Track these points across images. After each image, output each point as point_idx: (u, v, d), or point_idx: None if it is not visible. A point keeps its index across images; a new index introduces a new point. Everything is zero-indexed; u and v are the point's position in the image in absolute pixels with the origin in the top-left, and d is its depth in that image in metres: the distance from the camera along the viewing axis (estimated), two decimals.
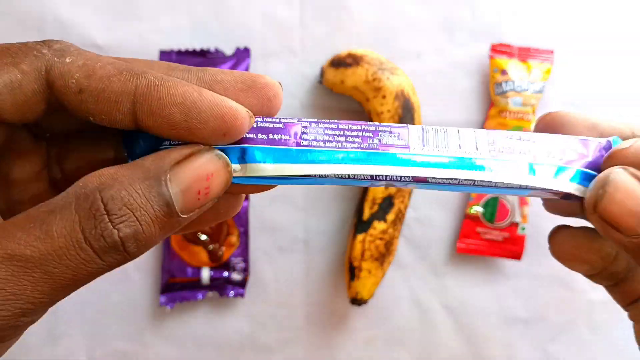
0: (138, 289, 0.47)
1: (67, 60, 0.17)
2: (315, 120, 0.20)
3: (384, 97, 0.43)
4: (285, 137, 0.19)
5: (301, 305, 0.48)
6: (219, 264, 0.46)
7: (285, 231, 0.47)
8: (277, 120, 0.19)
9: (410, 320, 0.48)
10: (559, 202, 0.23)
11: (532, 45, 0.47)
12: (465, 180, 0.19)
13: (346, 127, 0.20)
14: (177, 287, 0.46)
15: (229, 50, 0.46)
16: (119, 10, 0.45)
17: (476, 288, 0.48)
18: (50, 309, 0.47)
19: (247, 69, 0.45)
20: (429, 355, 0.49)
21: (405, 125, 0.20)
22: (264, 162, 0.19)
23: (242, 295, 0.46)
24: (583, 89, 0.48)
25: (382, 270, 0.45)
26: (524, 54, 0.47)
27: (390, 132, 0.20)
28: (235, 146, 0.18)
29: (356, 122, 0.20)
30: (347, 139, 0.19)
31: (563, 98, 0.48)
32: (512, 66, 0.46)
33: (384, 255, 0.45)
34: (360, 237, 0.44)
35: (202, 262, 0.45)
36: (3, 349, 0.17)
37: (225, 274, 0.46)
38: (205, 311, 0.47)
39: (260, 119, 0.19)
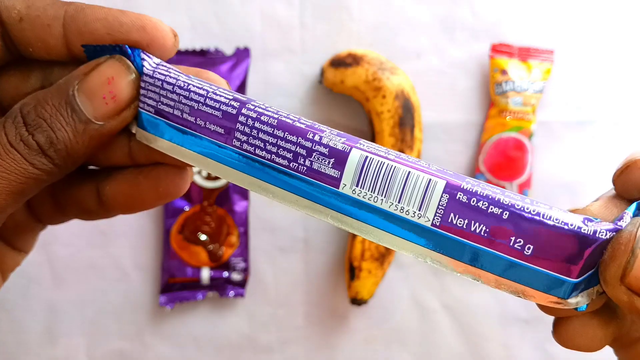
0: (138, 289, 0.47)
1: None
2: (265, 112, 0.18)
3: (384, 97, 0.43)
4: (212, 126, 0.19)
5: (301, 305, 0.48)
6: (219, 264, 0.46)
7: (285, 231, 0.47)
8: (229, 100, 0.19)
9: (410, 320, 0.48)
10: (579, 332, 0.18)
11: (532, 45, 0.47)
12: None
13: (282, 134, 0.18)
14: (177, 287, 0.46)
15: (229, 50, 0.46)
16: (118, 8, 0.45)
17: (476, 288, 0.48)
18: (50, 309, 0.47)
19: (247, 69, 0.45)
20: (429, 355, 0.48)
21: (350, 144, 0.17)
22: (156, 135, 0.19)
23: (242, 295, 0.46)
24: (583, 89, 0.48)
25: (382, 270, 0.45)
26: (524, 54, 0.47)
27: (325, 156, 0.17)
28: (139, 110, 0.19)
29: (298, 127, 0.18)
30: (277, 149, 0.18)
31: (563, 98, 0.48)
32: (512, 66, 0.46)
33: (384, 255, 0.45)
34: (360, 237, 0.44)
35: (202, 262, 0.45)
36: None
37: (225, 274, 0.46)
38: (205, 311, 0.47)
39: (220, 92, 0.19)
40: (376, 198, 0.16)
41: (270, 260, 0.47)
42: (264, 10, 0.46)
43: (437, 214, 0.16)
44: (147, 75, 0.19)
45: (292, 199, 0.18)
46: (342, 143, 0.17)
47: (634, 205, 0.16)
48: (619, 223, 0.15)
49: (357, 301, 0.45)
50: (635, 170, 0.17)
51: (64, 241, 0.45)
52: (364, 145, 0.17)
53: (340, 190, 0.17)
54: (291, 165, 0.18)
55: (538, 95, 0.46)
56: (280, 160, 0.18)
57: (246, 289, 0.47)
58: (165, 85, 0.19)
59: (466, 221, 0.16)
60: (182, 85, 0.19)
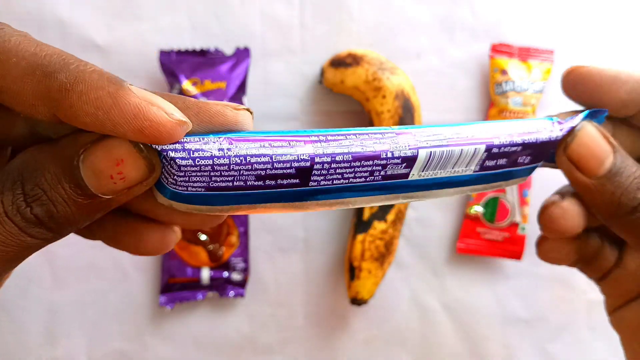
0: (138, 289, 0.47)
1: None
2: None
3: (384, 97, 0.43)
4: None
5: (301, 305, 0.48)
6: (219, 264, 0.46)
7: (285, 231, 0.47)
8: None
9: (410, 320, 0.48)
10: (552, 248, 0.26)
11: (532, 45, 0.47)
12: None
13: (358, 163, 0.19)
14: (177, 287, 0.46)
15: (229, 50, 0.46)
16: (119, 10, 0.45)
17: (476, 288, 0.48)
18: (51, 310, 0.47)
19: (247, 69, 0.45)
20: (429, 355, 0.49)
21: (416, 147, 0.20)
22: (204, 205, 0.18)
23: (242, 295, 0.46)
24: None
25: (382, 270, 0.45)
26: (524, 54, 0.47)
27: (398, 164, 0.20)
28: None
29: (364, 153, 0.19)
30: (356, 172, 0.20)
31: (563, 98, 0.48)
32: (512, 66, 0.46)
33: (384, 255, 0.45)
34: (360, 237, 0.44)
35: (202, 262, 0.45)
36: None
37: (225, 274, 0.46)
38: (205, 311, 0.47)
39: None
40: (437, 173, 0.21)
41: (270, 260, 0.47)
42: (264, 11, 0.46)
43: (478, 165, 0.21)
44: (184, 166, 0.17)
45: (367, 201, 0.21)
46: (410, 149, 0.20)
47: (585, 113, 0.23)
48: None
49: (357, 301, 0.45)
50: (573, 76, 0.24)
51: (64, 241, 0.45)
52: (427, 143, 0.20)
53: (409, 179, 0.20)
54: (367, 179, 0.20)
55: (538, 95, 0.46)
56: (358, 180, 0.20)
57: (246, 289, 0.47)
58: (217, 167, 0.17)
59: (495, 162, 0.22)
60: (239, 161, 0.17)
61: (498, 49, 0.46)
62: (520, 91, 0.46)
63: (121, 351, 0.47)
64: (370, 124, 0.45)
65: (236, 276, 0.46)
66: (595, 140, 0.21)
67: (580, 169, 0.21)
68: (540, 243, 0.26)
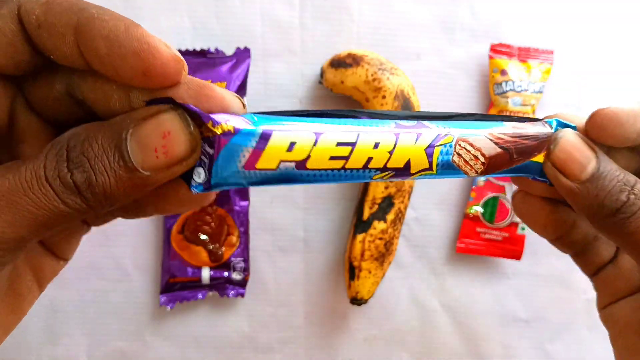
0: (138, 289, 0.47)
1: None
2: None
3: (384, 97, 0.43)
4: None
5: (301, 305, 0.48)
6: (219, 264, 0.46)
7: (285, 231, 0.47)
8: None
9: (410, 320, 0.48)
10: (525, 200, 0.26)
11: (532, 45, 0.47)
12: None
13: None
14: (177, 287, 0.46)
15: (229, 50, 0.46)
16: (119, 10, 0.45)
17: (476, 288, 0.48)
18: (51, 309, 0.47)
19: (247, 69, 0.45)
20: (429, 355, 0.49)
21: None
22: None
23: (242, 295, 0.46)
24: (583, 89, 0.48)
25: (382, 270, 0.45)
26: (524, 54, 0.47)
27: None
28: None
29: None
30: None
31: (563, 98, 0.48)
32: (512, 66, 0.46)
33: (384, 255, 0.45)
34: (360, 237, 0.44)
35: (202, 262, 0.46)
36: None
37: (225, 274, 0.46)
38: (205, 311, 0.47)
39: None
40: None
41: (270, 260, 0.47)
42: (265, 11, 0.46)
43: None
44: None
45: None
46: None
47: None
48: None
49: (357, 301, 0.45)
50: (600, 118, 0.24)
51: None
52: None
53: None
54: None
55: (538, 95, 0.46)
56: None
57: (246, 289, 0.47)
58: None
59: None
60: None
61: (498, 49, 0.46)
62: (519, 91, 0.46)
63: (121, 351, 0.47)
64: None
65: (236, 276, 0.46)
66: (577, 146, 0.22)
67: (565, 173, 0.22)
68: (514, 197, 0.27)
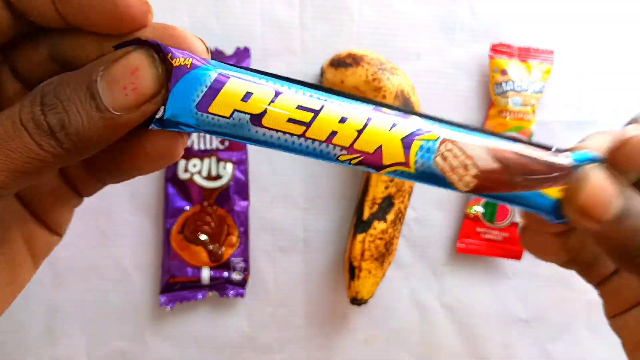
0: (138, 289, 0.47)
1: None
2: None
3: (384, 97, 0.43)
4: None
5: (301, 305, 0.48)
6: (219, 264, 0.46)
7: (285, 231, 0.47)
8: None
9: (410, 320, 0.48)
10: (534, 238, 0.24)
11: (532, 45, 0.47)
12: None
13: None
14: (177, 287, 0.46)
15: (229, 50, 0.46)
16: None
17: (476, 288, 0.48)
18: (51, 309, 0.47)
19: None
20: (429, 355, 0.49)
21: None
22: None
23: (242, 295, 0.46)
24: (583, 89, 0.48)
25: (382, 270, 0.45)
26: (524, 54, 0.47)
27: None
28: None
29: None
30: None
31: (563, 98, 0.48)
32: (512, 66, 0.46)
33: (384, 255, 0.45)
34: (360, 237, 0.44)
35: (202, 262, 0.46)
36: None
37: (225, 274, 0.46)
38: (205, 311, 0.47)
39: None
40: None
41: (270, 260, 0.47)
42: (265, 11, 0.46)
43: None
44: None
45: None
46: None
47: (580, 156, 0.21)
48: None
49: (357, 301, 0.45)
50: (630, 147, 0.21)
51: (64, 241, 0.45)
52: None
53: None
54: None
55: (538, 95, 0.46)
56: None
57: (246, 289, 0.47)
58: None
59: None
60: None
61: (498, 49, 0.46)
62: (520, 91, 0.46)
63: (121, 351, 0.47)
64: None
65: (236, 276, 0.46)
66: (602, 187, 0.20)
67: (588, 217, 0.20)
68: (523, 232, 0.25)
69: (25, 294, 0.45)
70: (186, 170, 0.45)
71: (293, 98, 0.18)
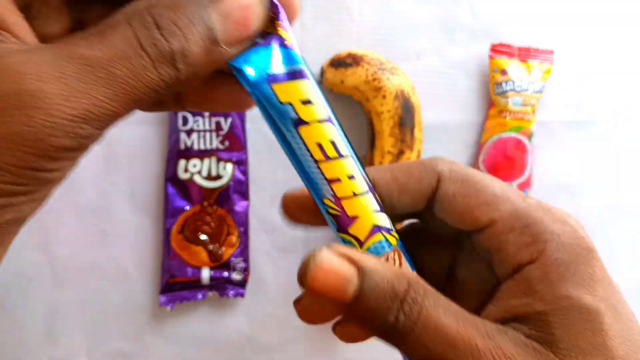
0: (138, 289, 0.47)
1: None
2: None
3: (384, 97, 0.43)
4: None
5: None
6: (219, 264, 0.46)
7: (285, 231, 0.47)
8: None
9: None
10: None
11: (532, 45, 0.47)
12: None
13: None
14: (177, 287, 0.46)
15: None
16: None
17: None
18: (51, 309, 0.47)
19: None
20: None
21: None
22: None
23: (242, 295, 0.46)
24: (583, 89, 0.48)
25: None
26: (524, 54, 0.47)
27: None
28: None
29: None
30: None
31: (563, 98, 0.48)
32: (512, 66, 0.46)
33: None
34: None
35: (202, 262, 0.45)
36: (56, 178, 0.16)
37: (225, 274, 0.46)
38: (205, 311, 0.47)
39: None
40: None
41: (270, 260, 0.47)
42: None
43: None
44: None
45: None
46: None
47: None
48: None
49: None
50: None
51: (64, 241, 0.46)
52: None
53: None
54: None
55: (538, 95, 0.46)
56: None
57: (246, 289, 0.47)
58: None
59: None
60: None
61: (498, 49, 0.46)
62: (520, 91, 0.46)
63: (121, 351, 0.47)
64: (370, 124, 0.45)
65: (236, 276, 0.46)
66: (331, 269, 0.18)
67: (326, 298, 0.18)
68: (299, 302, 0.22)
69: (25, 294, 0.46)
70: (186, 170, 0.45)
71: (334, 133, 0.20)
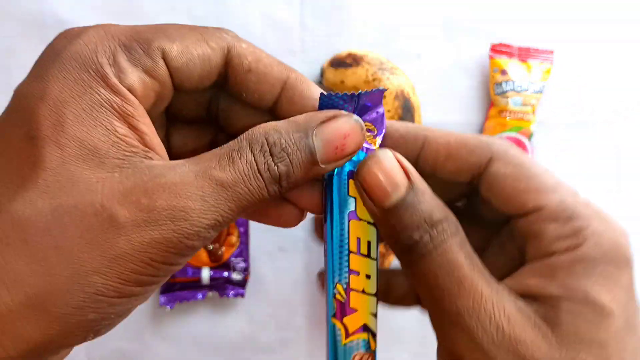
0: None
1: (243, 45, 0.22)
2: None
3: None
4: None
5: (301, 305, 0.48)
6: (219, 264, 0.46)
7: (285, 231, 0.47)
8: None
9: (410, 320, 0.48)
10: None
11: (532, 45, 0.47)
12: None
13: None
14: (177, 287, 0.46)
15: None
16: (119, 10, 0.45)
17: None
18: None
19: None
20: (429, 354, 0.48)
21: None
22: None
23: (242, 295, 0.46)
24: (583, 89, 0.48)
25: None
26: (524, 54, 0.47)
27: None
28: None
29: None
30: None
31: (563, 98, 0.48)
32: (512, 66, 0.46)
33: (383, 255, 0.45)
34: None
35: (202, 262, 0.45)
36: (182, 259, 0.20)
37: (225, 274, 0.46)
38: (205, 311, 0.47)
39: None
40: None
41: (270, 260, 0.47)
42: (264, 11, 0.46)
43: None
44: None
45: None
46: None
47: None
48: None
49: None
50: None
51: None
52: None
53: None
54: None
55: (538, 95, 0.46)
56: None
57: (246, 289, 0.47)
58: None
59: None
60: None
61: (498, 49, 0.46)
62: (520, 91, 0.46)
63: (121, 351, 0.47)
64: None
65: (236, 276, 0.46)
66: (387, 171, 0.21)
67: (369, 196, 0.21)
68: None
69: None
70: None
71: (373, 237, 0.22)
